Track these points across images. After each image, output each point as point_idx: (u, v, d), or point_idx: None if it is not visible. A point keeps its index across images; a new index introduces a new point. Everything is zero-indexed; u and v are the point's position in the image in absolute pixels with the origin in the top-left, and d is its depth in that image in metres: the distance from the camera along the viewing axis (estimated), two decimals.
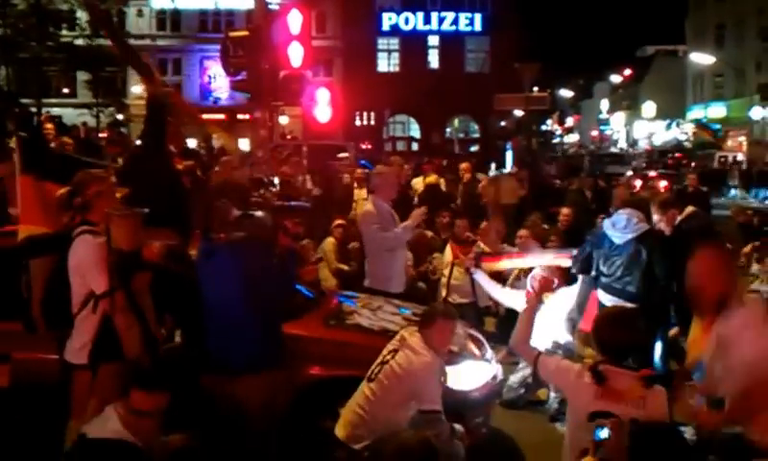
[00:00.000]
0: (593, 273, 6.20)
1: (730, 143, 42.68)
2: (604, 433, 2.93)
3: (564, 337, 6.36)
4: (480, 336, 6.01)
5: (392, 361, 4.43)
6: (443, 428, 4.33)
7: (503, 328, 7.65)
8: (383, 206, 6.66)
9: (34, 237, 4.56)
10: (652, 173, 25.02)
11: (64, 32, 29.33)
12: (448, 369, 4.88)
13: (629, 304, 5.55)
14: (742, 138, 42.62)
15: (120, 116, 32.06)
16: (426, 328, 4.50)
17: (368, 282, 6.75)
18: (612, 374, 3.46)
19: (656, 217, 6.55)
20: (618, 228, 5.98)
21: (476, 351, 5.52)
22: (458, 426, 4.57)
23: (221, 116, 31.10)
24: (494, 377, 5.43)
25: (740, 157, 34.31)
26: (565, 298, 6.55)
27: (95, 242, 4.25)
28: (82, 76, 34.01)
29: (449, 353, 5.02)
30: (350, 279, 7.91)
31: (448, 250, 8.23)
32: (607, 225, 6.14)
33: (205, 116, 34.92)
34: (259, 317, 4.30)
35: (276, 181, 9.56)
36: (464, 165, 13.26)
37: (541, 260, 6.57)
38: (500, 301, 7.23)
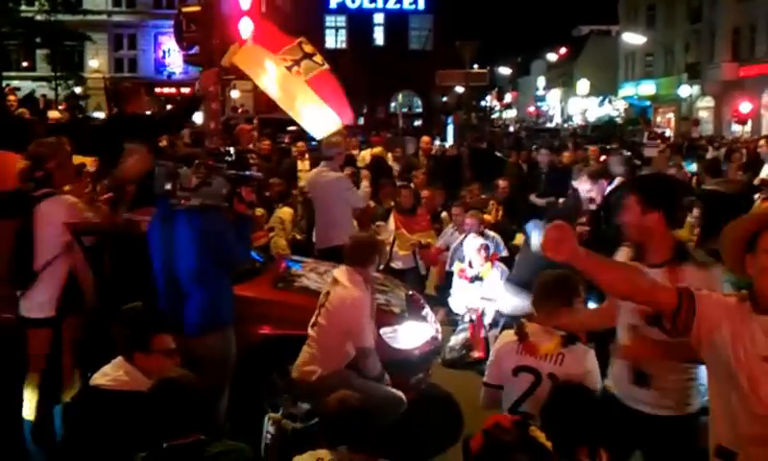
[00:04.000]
0: None
1: (659, 119, 44.38)
2: None
3: (506, 307, 6.64)
4: (420, 298, 6.33)
5: (326, 303, 4.71)
6: (374, 363, 4.68)
7: (442, 292, 8.00)
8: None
9: None
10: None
11: (24, 7, 28.96)
12: (390, 329, 5.24)
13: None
14: (670, 115, 44.35)
15: (78, 89, 31.62)
16: (352, 262, 4.77)
17: (330, 242, 7.03)
18: (537, 331, 3.73)
19: (587, 187, 6.75)
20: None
21: (417, 313, 5.76)
22: (386, 377, 4.85)
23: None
24: (434, 337, 5.65)
25: (668, 132, 35.73)
26: (501, 271, 7.08)
27: (71, 201, 4.45)
28: (41, 50, 33.43)
29: (392, 315, 5.38)
30: (302, 247, 8.11)
31: (392, 219, 8.48)
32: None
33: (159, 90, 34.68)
34: (214, 280, 4.41)
35: (232, 150, 9.84)
36: (425, 139, 13.73)
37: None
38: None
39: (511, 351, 3.76)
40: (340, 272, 4.80)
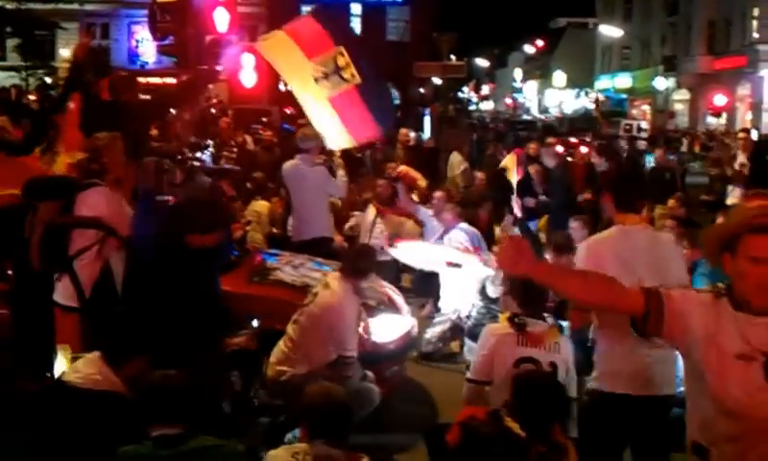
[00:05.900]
0: None
1: (635, 112, 44.77)
2: None
3: (477, 301, 6.57)
4: (396, 291, 6.27)
5: (311, 304, 4.71)
6: (355, 371, 4.69)
7: (418, 285, 8.07)
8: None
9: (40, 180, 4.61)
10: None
11: None
12: (366, 322, 5.18)
13: None
14: (646, 107, 44.79)
15: (48, 79, 31.14)
16: (346, 270, 4.80)
17: (308, 235, 7.06)
18: (530, 323, 3.81)
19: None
20: None
21: (392, 306, 5.75)
22: (369, 373, 4.91)
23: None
24: (409, 331, 5.66)
25: (644, 124, 36.02)
26: (478, 265, 6.90)
27: (110, 193, 4.49)
28: (11, 39, 32.91)
29: (367, 308, 5.31)
30: (279, 241, 7.95)
31: (371, 209, 8.40)
32: None
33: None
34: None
35: (210, 143, 9.76)
36: (403, 131, 13.67)
37: (449, 257, 6.84)
38: (420, 267, 7.50)
39: (511, 343, 3.76)
40: (332, 277, 4.82)
